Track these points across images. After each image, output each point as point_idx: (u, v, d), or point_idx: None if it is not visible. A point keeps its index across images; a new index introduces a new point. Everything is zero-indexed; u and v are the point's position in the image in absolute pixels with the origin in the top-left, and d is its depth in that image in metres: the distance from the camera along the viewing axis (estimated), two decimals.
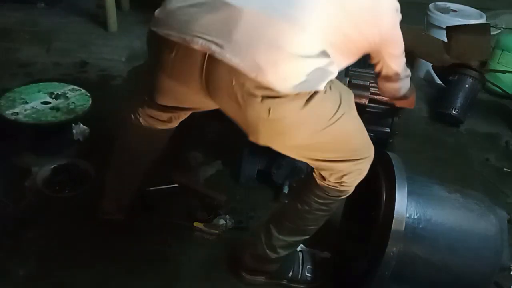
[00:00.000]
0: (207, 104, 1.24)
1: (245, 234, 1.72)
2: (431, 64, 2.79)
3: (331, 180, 1.28)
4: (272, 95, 1.02)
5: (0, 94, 2.06)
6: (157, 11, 1.16)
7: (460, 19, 2.80)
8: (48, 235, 1.65)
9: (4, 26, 3.20)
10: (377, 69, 1.40)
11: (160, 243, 1.67)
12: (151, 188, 1.86)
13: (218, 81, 1.08)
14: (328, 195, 1.31)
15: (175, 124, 1.47)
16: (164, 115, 1.42)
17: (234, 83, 1.04)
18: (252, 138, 1.15)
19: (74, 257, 1.58)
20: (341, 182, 1.28)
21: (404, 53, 1.38)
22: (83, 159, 1.96)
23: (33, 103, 2.02)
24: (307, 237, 1.44)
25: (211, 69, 1.07)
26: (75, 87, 2.17)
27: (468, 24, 2.72)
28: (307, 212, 1.35)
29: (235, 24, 1.02)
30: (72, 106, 2.03)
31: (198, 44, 1.04)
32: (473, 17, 2.88)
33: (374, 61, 1.37)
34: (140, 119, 1.45)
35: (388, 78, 1.42)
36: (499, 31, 2.93)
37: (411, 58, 3.12)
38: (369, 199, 1.48)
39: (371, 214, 1.43)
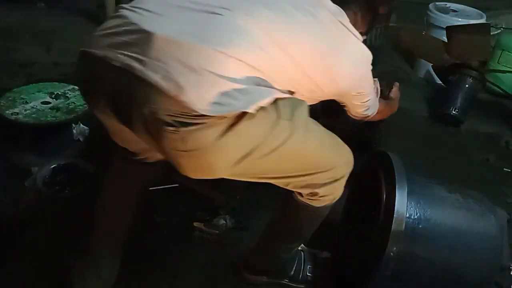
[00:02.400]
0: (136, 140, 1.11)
1: (245, 234, 1.72)
2: (431, 64, 2.80)
3: (306, 195, 1.24)
4: (187, 122, 0.94)
5: (0, 94, 2.05)
6: (87, 38, 1.11)
7: (460, 19, 2.81)
8: (48, 235, 1.65)
9: (4, 26, 3.20)
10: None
11: (160, 243, 1.67)
12: (151, 188, 1.86)
13: (130, 109, 1.00)
14: (313, 206, 1.28)
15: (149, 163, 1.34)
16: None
17: (146, 111, 0.95)
18: (182, 172, 1.05)
19: (74, 257, 1.58)
20: (316, 195, 1.23)
21: (372, 98, 1.35)
22: (83, 159, 1.96)
23: (33, 103, 2.02)
24: (306, 239, 1.46)
25: (126, 93, 1.00)
26: (75, 87, 2.17)
27: (468, 24, 2.73)
28: (299, 224, 1.35)
29: (151, 46, 0.97)
30: (72, 106, 2.03)
31: (120, 61, 0.98)
32: (473, 17, 2.88)
33: None
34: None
35: (351, 112, 1.42)
36: (499, 31, 2.93)
37: (411, 58, 3.16)
38: (369, 199, 1.48)
39: (371, 214, 1.43)
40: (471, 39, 2.46)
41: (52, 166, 1.92)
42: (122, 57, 0.98)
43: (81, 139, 2.12)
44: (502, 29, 2.95)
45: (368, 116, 1.45)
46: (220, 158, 1.01)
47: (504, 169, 2.26)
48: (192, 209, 1.80)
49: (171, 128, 0.95)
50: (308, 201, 1.27)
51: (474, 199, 1.43)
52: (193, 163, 1.02)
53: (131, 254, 1.61)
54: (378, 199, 1.38)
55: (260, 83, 1.00)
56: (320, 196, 1.25)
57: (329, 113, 1.56)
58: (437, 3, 3.00)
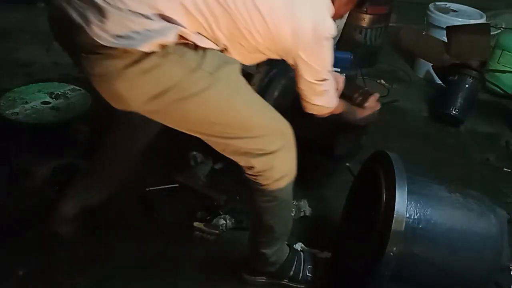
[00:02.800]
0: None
1: (245, 234, 1.71)
2: (431, 64, 2.80)
3: (246, 170, 1.26)
4: (95, 51, 1.06)
5: (0, 94, 2.06)
6: None
7: (460, 19, 2.81)
8: (48, 235, 1.65)
9: (4, 26, 3.20)
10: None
11: (160, 243, 1.67)
12: (151, 188, 1.87)
13: (68, 47, 1.17)
14: (263, 188, 1.28)
15: None
16: None
17: (72, 45, 1.12)
18: (107, 100, 1.16)
19: (73, 257, 1.58)
20: (253, 168, 1.24)
21: (329, 84, 1.29)
22: (83, 159, 1.96)
23: (33, 103, 2.02)
24: (277, 233, 1.41)
25: (64, 34, 1.14)
26: (75, 87, 2.17)
27: (468, 24, 2.73)
28: (259, 210, 1.35)
29: None
30: (72, 106, 2.03)
31: (60, 6, 1.10)
32: (473, 17, 2.88)
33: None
34: None
35: (305, 98, 1.34)
36: (499, 31, 2.93)
37: (411, 58, 3.16)
38: (369, 199, 1.48)
39: (371, 214, 1.43)
40: (471, 39, 2.46)
41: (52, 166, 1.92)
42: (62, 3, 1.10)
43: (81, 139, 2.12)
44: (502, 29, 2.96)
45: (324, 109, 1.38)
46: (128, 89, 1.10)
47: (504, 169, 2.27)
48: (192, 209, 1.80)
49: (84, 55, 1.09)
50: (252, 178, 1.28)
51: (474, 199, 1.43)
52: (105, 89, 1.14)
53: (131, 254, 1.61)
54: (378, 199, 1.38)
55: (167, 21, 1.05)
56: (260, 171, 1.25)
57: (296, 115, 1.43)
58: (437, 3, 3.00)
